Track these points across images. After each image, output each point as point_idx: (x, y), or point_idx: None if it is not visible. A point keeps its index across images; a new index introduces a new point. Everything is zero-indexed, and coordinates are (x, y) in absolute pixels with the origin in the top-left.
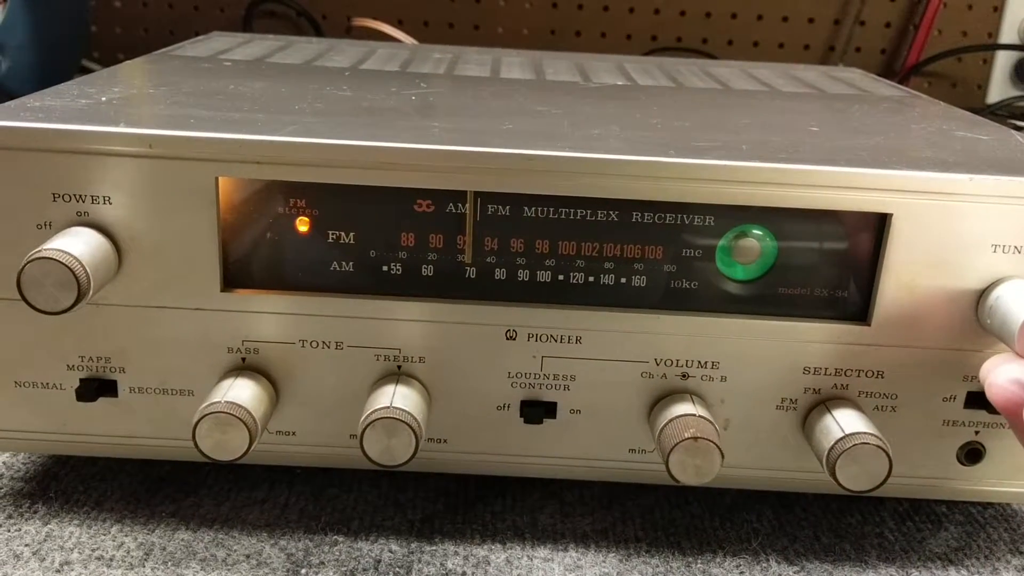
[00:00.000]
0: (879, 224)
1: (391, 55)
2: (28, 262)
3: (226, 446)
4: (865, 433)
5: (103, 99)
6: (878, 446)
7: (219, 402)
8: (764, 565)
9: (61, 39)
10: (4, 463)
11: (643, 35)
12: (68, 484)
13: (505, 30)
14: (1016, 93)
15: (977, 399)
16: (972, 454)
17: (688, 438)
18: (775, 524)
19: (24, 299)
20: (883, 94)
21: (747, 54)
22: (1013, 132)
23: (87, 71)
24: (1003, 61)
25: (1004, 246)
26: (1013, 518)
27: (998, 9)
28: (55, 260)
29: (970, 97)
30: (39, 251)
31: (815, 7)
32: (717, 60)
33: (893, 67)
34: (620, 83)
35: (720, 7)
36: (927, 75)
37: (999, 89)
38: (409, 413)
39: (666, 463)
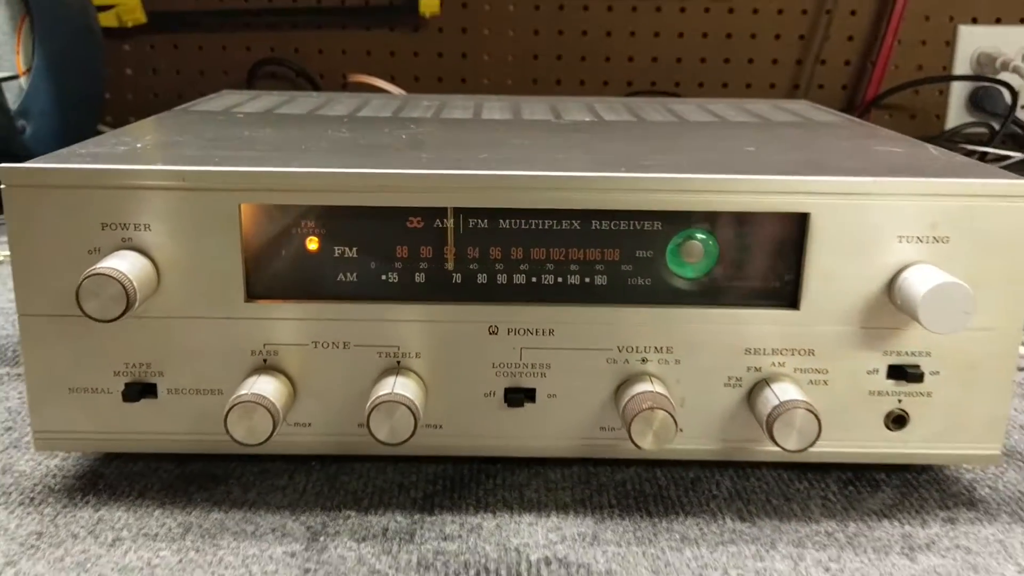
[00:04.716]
0: (801, 223)
1: (384, 104)
2: (86, 278)
3: (253, 431)
4: (797, 400)
5: (138, 145)
6: (808, 409)
7: (246, 394)
8: (720, 523)
9: (79, 105)
10: (56, 466)
11: (619, 81)
12: (113, 480)
13: (490, 82)
14: (970, 120)
15: (897, 371)
16: (898, 420)
17: (647, 408)
18: (732, 491)
19: (81, 309)
20: (822, 120)
21: (717, 95)
22: (928, 146)
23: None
24: (958, 92)
25: (908, 236)
26: (944, 481)
27: (950, 43)
28: (108, 276)
29: (929, 127)
30: (94, 269)
31: (778, 49)
32: (679, 98)
33: (854, 102)
34: (588, 119)
35: (690, 53)
36: (887, 108)
37: (956, 118)
38: (408, 397)
39: (628, 432)
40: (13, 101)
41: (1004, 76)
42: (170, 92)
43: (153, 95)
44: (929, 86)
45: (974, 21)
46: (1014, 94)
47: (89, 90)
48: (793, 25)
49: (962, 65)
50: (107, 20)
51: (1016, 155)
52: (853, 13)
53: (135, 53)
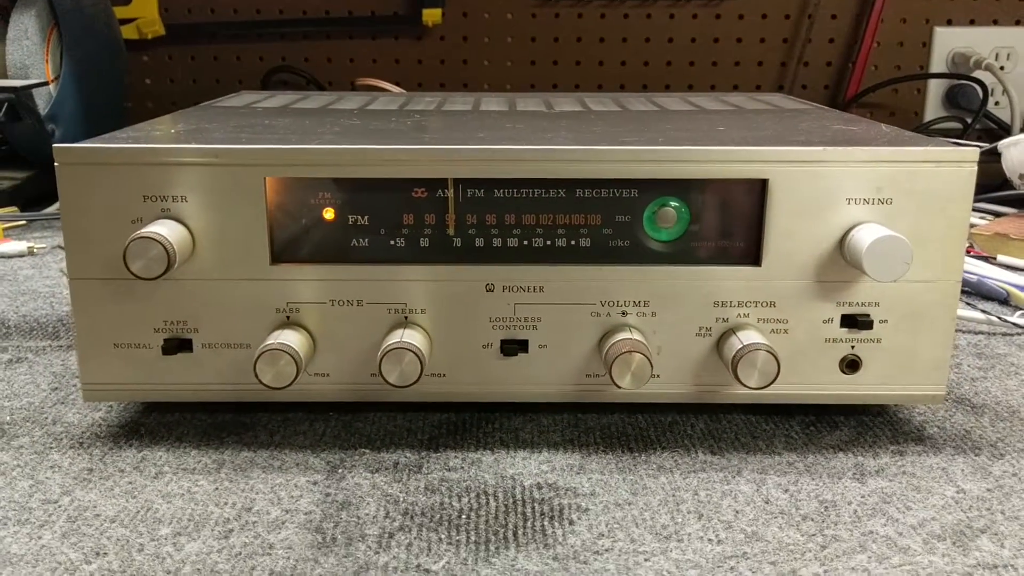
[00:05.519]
0: (761, 188)
1: (391, 100)
2: (132, 241)
3: (280, 375)
4: (759, 343)
5: (172, 131)
6: (768, 351)
7: (273, 343)
8: (693, 456)
9: (104, 111)
10: (101, 418)
11: (612, 85)
12: (153, 428)
13: (490, 86)
14: (944, 115)
15: (850, 320)
16: (851, 364)
17: (626, 352)
18: (705, 431)
19: (128, 268)
20: (791, 107)
21: None
22: (882, 125)
23: None
24: (935, 90)
25: (855, 199)
26: (897, 423)
27: (926, 44)
28: (151, 239)
29: (907, 123)
30: (139, 233)
31: (763, 52)
32: (663, 92)
33: (836, 101)
34: (576, 109)
35: (679, 56)
36: (867, 106)
37: (933, 114)
38: (415, 345)
39: (609, 373)
40: (43, 106)
41: (978, 74)
42: (187, 100)
43: (171, 103)
44: (907, 84)
45: (949, 23)
46: (986, 91)
47: (112, 97)
48: (777, 29)
49: (938, 64)
50: (128, 32)
51: (985, 146)
52: (834, 17)
53: (154, 64)
